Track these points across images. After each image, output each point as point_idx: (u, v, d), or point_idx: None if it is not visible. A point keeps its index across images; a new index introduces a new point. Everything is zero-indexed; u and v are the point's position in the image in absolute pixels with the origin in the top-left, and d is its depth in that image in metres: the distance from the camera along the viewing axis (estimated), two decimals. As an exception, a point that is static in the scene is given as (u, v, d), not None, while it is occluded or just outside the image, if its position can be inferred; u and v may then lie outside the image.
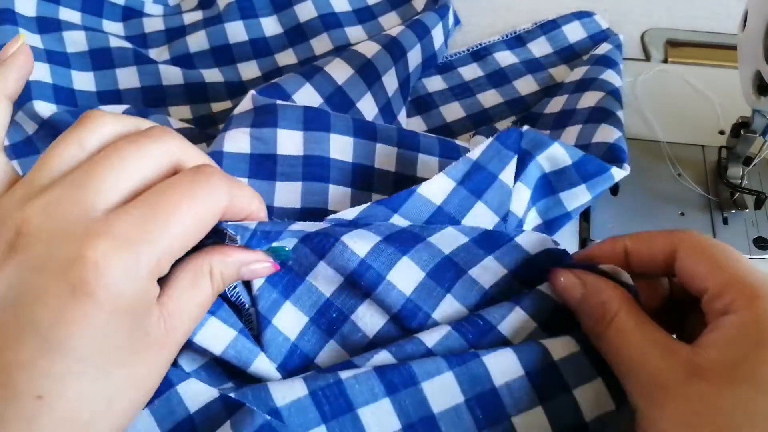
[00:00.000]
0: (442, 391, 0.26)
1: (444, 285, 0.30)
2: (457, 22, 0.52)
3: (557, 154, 0.34)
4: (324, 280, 0.30)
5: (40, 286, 0.21)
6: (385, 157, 0.36)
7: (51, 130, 0.41)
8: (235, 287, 0.29)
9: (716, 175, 0.42)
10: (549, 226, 0.37)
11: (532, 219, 0.36)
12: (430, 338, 0.28)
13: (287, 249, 0.29)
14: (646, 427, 0.24)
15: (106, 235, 0.21)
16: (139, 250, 0.22)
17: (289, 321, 0.30)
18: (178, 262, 0.25)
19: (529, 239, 0.30)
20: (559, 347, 0.27)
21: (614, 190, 0.41)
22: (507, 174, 0.31)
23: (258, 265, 0.28)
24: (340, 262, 0.29)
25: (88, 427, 0.22)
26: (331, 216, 0.30)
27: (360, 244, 0.29)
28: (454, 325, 0.29)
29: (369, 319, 0.30)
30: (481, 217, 0.32)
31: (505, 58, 0.50)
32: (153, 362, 0.24)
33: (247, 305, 0.30)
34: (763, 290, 0.25)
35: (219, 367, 0.29)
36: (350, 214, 0.30)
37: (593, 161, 0.35)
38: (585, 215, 0.41)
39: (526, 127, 0.32)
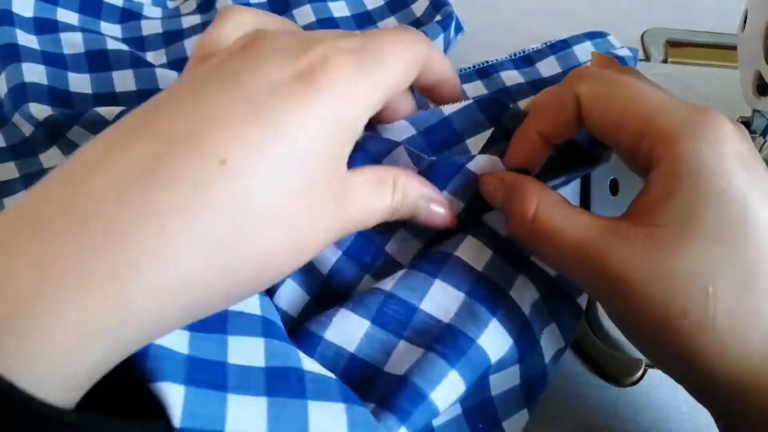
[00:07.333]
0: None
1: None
2: (459, 29, 0.50)
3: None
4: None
5: (264, 66, 0.21)
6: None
7: (46, 133, 0.41)
8: None
9: (717, 176, 0.42)
10: None
11: None
12: (387, 284, 0.29)
13: None
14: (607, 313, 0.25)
15: (333, 44, 0.23)
16: (360, 64, 0.23)
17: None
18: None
19: (480, 164, 0.29)
20: (525, 297, 0.29)
21: (614, 189, 0.41)
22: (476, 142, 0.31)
23: (436, 208, 0.27)
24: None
25: (257, 222, 0.20)
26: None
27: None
28: (409, 265, 0.29)
29: (323, 258, 0.30)
30: None
31: (512, 77, 0.47)
32: (322, 213, 0.22)
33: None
34: (677, 131, 0.23)
35: None
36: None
37: None
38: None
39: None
